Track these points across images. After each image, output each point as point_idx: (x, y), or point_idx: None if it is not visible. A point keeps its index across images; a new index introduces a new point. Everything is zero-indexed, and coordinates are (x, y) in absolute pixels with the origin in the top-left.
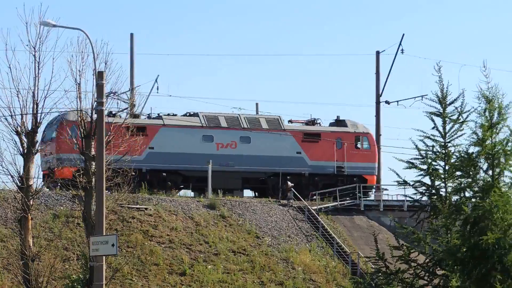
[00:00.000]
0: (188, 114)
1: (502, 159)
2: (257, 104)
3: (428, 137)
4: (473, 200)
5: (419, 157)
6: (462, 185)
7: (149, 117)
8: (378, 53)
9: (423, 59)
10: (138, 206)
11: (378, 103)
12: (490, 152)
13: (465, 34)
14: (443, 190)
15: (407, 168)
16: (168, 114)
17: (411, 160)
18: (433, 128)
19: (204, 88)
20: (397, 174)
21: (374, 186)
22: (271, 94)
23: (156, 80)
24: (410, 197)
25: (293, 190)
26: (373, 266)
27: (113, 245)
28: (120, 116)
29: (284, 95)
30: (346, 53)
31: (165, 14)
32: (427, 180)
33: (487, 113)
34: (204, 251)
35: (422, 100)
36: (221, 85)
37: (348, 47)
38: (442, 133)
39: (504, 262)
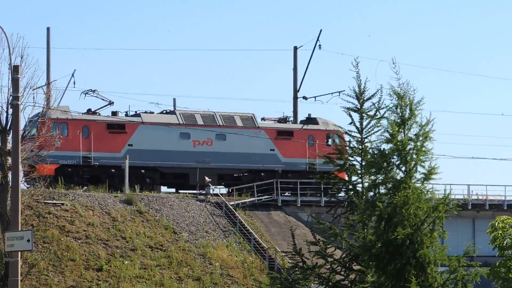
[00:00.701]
0: (165, 112)
1: (414, 155)
2: (174, 99)
3: (345, 133)
4: (387, 196)
5: (336, 152)
6: (377, 181)
7: (126, 114)
8: (295, 48)
9: (340, 54)
10: (54, 202)
11: (295, 98)
12: (401, 148)
13: (381, 30)
14: (360, 185)
15: (324, 163)
16: (146, 112)
17: (328, 155)
18: (350, 123)
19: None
20: (314, 169)
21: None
22: (189, 89)
23: (72, 75)
24: (327, 192)
25: (211, 185)
26: (290, 261)
27: (28, 240)
28: (100, 114)
29: (202, 91)
30: (264, 48)
31: (82, 8)
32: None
33: (398, 110)
34: (121, 247)
35: (339, 95)
36: (140, 80)
37: (266, 43)
38: (359, 128)
39: (418, 257)
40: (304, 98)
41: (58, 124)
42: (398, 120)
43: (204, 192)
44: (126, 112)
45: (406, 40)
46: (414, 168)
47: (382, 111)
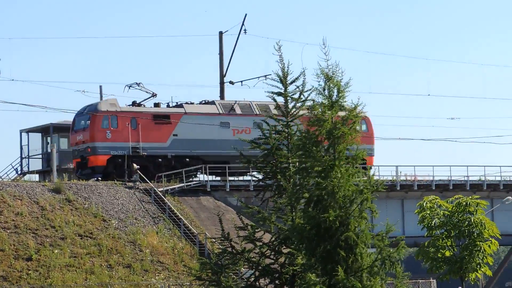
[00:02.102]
0: (204, 102)
1: (342, 138)
2: (100, 86)
3: (271, 117)
4: (316, 179)
5: (263, 137)
6: (305, 164)
7: (168, 105)
8: (221, 33)
9: (265, 39)
10: None
11: (222, 83)
12: (330, 131)
13: (306, 13)
14: (288, 169)
15: (251, 148)
16: (187, 103)
17: (255, 140)
18: (275, 107)
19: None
20: (241, 153)
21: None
22: (114, 76)
23: None
24: (255, 176)
25: (139, 172)
26: (219, 246)
27: None
28: (145, 106)
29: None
30: (189, 34)
31: None
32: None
33: (326, 92)
34: (50, 236)
35: (265, 79)
36: (65, 68)
37: (191, 28)
38: (285, 112)
39: (346, 239)
40: (231, 82)
41: (109, 117)
42: (326, 102)
43: (133, 178)
44: (168, 103)
45: (332, 23)
46: (343, 152)
47: (306, 94)
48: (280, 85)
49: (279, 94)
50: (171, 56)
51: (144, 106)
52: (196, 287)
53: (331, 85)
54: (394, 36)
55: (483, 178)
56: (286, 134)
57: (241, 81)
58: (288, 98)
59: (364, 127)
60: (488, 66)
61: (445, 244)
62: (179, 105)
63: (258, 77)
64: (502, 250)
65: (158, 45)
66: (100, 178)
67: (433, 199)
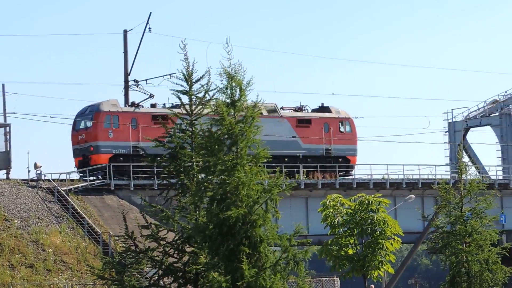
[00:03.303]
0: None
1: (244, 136)
2: (3, 85)
3: (176, 115)
4: (220, 177)
5: (167, 135)
6: (208, 163)
7: (164, 106)
8: (125, 32)
9: (171, 37)
10: None
11: (126, 82)
12: (232, 130)
13: (211, 12)
14: (191, 168)
15: (155, 146)
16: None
17: (158, 139)
18: (180, 106)
19: None
20: (143, 151)
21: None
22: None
23: None
24: (161, 175)
25: (41, 170)
26: (123, 245)
27: None
28: (143, 106)
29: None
30: (93, 32)
31: None
32: None
33: (228, 90)
34: None
35: (170, 78)
36: None
37: (95, 27)
38: (189, 111)
39: (250, 237)
40: (135, 81)
41: (111, 117)
42: (228, 101)
43: (35, 177)
44: (164, 104)
45: (237, 22)
46: (245, 150)
47: (211, 93)
48: (185, 84)
49: (183, 92)
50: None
51: (142, 106)
52: (99, 287)
53: (234, 84)
54: (300, 35)
55: (386, 177)
56: (190, 133)
57: (146, 80)
58: (192, 96)
59: (348, 128)
60: (392, 66)
61: (348, 242)
62: (175, 106)
63: (163, 76)
64: (405, 248)
65: (61, 43)
66: (100, 177)
67: (336, 198)
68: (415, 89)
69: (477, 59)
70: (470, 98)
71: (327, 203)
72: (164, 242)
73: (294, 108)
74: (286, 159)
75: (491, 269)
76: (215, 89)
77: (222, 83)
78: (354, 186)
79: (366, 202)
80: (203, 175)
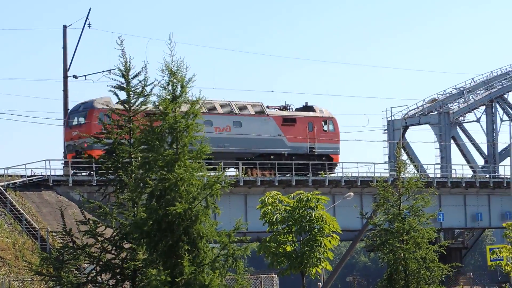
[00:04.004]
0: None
1: (185, 132)
2: None
3: (113, 111)
4: (159, 173)
5: (105, 131)
6: (148, 159)
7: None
8: (65, 27)
9: (110, 33)
10: None
11: (65, 77)
12: (173, 126)
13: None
14: (130, 164)
15: (92, 142)
16: None
17: (96, 135)
18: (118, 102)
19: None
20: (81, 148)
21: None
22: None
23: None
24: (97, 171)
25: None
26: (61, 241)
27: None
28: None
29: None
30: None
31: None
32: None
33: (170, 86)
34: None
35: (109, 74)
36: None
37: (34, 22)
38: (127, 107)
39: (190, 233)
40: (75, 77)
41: (104, 114)
42: (169, 97)
43: None
44: (154, 102)
45: (178, 19)
46: (186, 146)
47: (148, 88)
48: (123, 80)
49: (121, 88)
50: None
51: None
52: (37, 283)
53: (175, 80)
54: (241, 33)
55: (325, 174)
56: (128, 129)
57: (85, 75)
58: (130, 92)
59: (331, 127)
60: (331, 63)
61: (286, 239)
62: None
63: (102, 72)
64: (343, 245)
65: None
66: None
67: (275, 195)
68: (354, 87)
69: (416, 58)
70: (409, 97)
71: (266, 200)
72: (102, 238)
73: (279, 107)
74: (272, 157)
75: (429, 266)
76: (152, 83)
77: (163, 79)
78: (293, 183)
79: (305, 199)
80: (141, 171)
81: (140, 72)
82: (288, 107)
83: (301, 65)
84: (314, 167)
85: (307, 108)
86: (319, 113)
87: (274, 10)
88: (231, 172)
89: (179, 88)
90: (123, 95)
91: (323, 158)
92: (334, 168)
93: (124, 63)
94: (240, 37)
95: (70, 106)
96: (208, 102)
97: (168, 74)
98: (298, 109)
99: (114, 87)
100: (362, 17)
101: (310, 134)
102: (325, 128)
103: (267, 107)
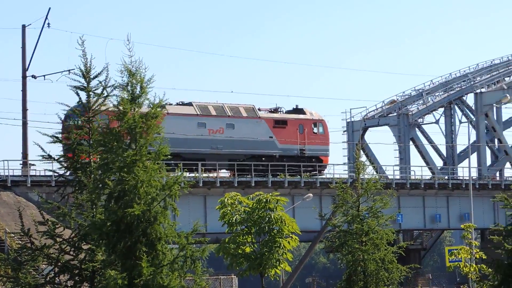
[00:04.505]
0: (181, 103)
1: (144, 134)
2: None
3: (73, 111)
4: (118, 174)
5: (64, 132)
6: (106, 160)
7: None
8: (24, 27)
9: (70, 33)
10: None
11: (24, 77)
12: (131, 126)
13: (111, 8)
14: (89, 164)
15: (51, 142)
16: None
17: (55, 135)
18: (78, 102)
19: None
20: (42, 148)
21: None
22: None
23: None
24: (56, 172)
25: None
26: (19, 242)
27: None
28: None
29: None
30: None
31: None
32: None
33: (129, 87)
34: None
35: (69, 74)
36: None
37: None
38: (87, 107)
39: (148, 235)
40: (33, 77)
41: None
42: (129, 98)
43: None
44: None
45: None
46: (145, 147)
47: (109, 89)
48: (83, 80)
49: (81, 89)
50: None
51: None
52: None
53: (134, 81)
54: (200, 34)
55: (284, 176)
56: (88, 130)
57: (44, 76)
58: (90, 93)
59: (321, 130)
60: (291, 64)
61: (245, 241)
62: (161, 106)
63: (62, 72)
64: (302, 247)
65: None
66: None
67: (234, 196)
68: (314, 89)
69: (376, 59)
70: (368, 98)
71: (225, 201)
72: (61, 239)
73: (270, 110)
74: (263, 159)
75: (387, 268)
76: (113, 85)
77: (122, 80)
78: (253, 184)
79: (264, 200)
80: (101, 171)
81: (100, 72)
82: (278, 110)
83: (257, 65)
84: (304, 169)
85: (297, 110)
86: (309, 115)
87: (241, 12)
88: (224, 173)
89: (138, 89)
90: (83, 95)
91: (313, 160)
92: (324, 170)
93: (84, 63)
94: (198, 38)
95: (29, 106)
96: (202, 105)
97: (127, 75)
98: (288, 112)
99: (74, 87)
100: (320, 19)
101: (301, 136)
102: (315, 130)
103: (259, 109)
